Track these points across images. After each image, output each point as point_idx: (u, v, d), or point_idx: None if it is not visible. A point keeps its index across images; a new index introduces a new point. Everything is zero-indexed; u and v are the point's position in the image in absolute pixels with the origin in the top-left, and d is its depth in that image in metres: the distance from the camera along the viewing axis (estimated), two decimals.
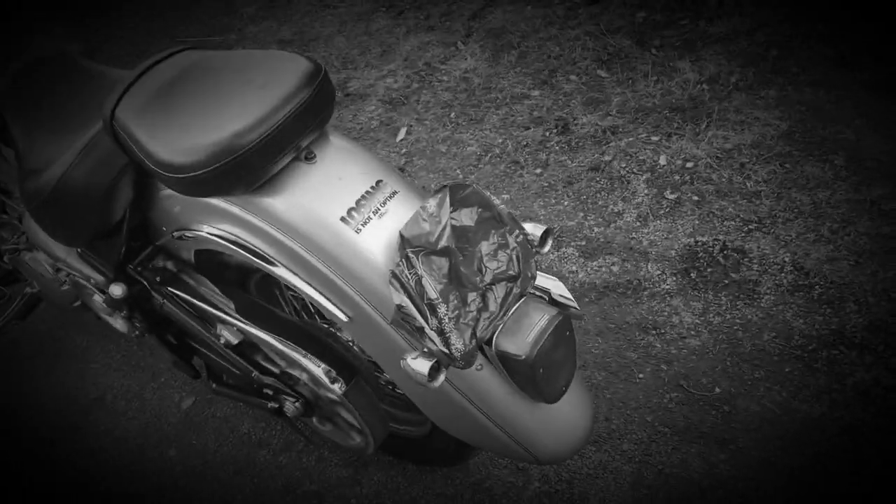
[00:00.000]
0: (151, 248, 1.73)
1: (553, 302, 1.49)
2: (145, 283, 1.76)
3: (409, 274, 1.21)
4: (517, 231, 1.30)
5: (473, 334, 1.19)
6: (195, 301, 1.72)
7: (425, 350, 1.22)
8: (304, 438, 1.99)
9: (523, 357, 1.20)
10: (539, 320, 1.25)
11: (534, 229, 1.36)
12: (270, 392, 1.74)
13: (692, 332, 2.21)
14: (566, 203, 2.62)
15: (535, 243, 1.36)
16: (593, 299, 2.33)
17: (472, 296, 1.22)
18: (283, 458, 2.02)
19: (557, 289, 1.48)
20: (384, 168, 1.44)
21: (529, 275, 1.28)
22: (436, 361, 1.21)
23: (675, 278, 2.35)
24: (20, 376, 2.32)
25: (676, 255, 2.40)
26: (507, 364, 1.27)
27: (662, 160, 2.68)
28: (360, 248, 1.33)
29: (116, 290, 1.71)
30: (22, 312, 2.23)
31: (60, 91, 1.84)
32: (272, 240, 1.43)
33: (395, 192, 1.38)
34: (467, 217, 1.27)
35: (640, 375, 2.14)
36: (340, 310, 1.44)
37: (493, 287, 1.25)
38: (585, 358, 2.18)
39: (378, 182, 1.38)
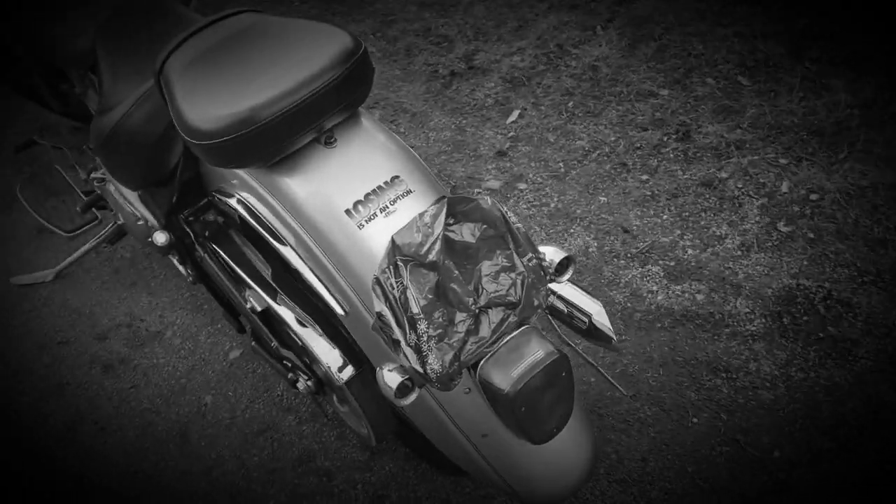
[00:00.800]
0: (204, 201, 1.78)
1: (591, 328, 1.39)
2: (191, 234, 1.82)
3: (395, 283, 1.15)
4: (530, 255, 1.21)
5: (456, 357, 1.12)
6: (230, 261, 1.75)
7: (400, 365, 1.17)
8: (324, 414, 2.00)
9: (505, 391, 1.12)
10: (531, 355, 1.16)
11: (553, 255, 1.26)
12: (289, 364, 1.76)
13: (767, 384, 2.00)
14: (665, 217, 2.44)
15: (552, 270, 1.25)
16: (666, 326, 2.16)
17: (461, 316, 1.15)
18: (306, 428, 2.04)
19: (599, 315, 1.38)
20: (406, 163, 1.37)
21: (536, 303, 1.18)
22: (408, 378, 1.15)
23: (763, 320, 2.12)
24: (95, 297, 2.48)
25: (773, 294, 2.17)
26: (488, 394, 1.19)
27: (784, 187, 2.42)
28: (359, 245, 1.29)
29: (160, 237, 1.78)
30: (111, 237, 2.37)
31: (146, 34, 1.91)
32: (282, 219, 1.42)
33: (409, 192, 1.32)
34: (468, 233, 1.19)
35: (695, 420, 1.97)
36: (338, 302, 1.41)
37: (488, 311, 1.18)
38: (639, 388, 2.03)
39: (394, 178, 1.33)
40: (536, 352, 1.16)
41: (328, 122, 1.34)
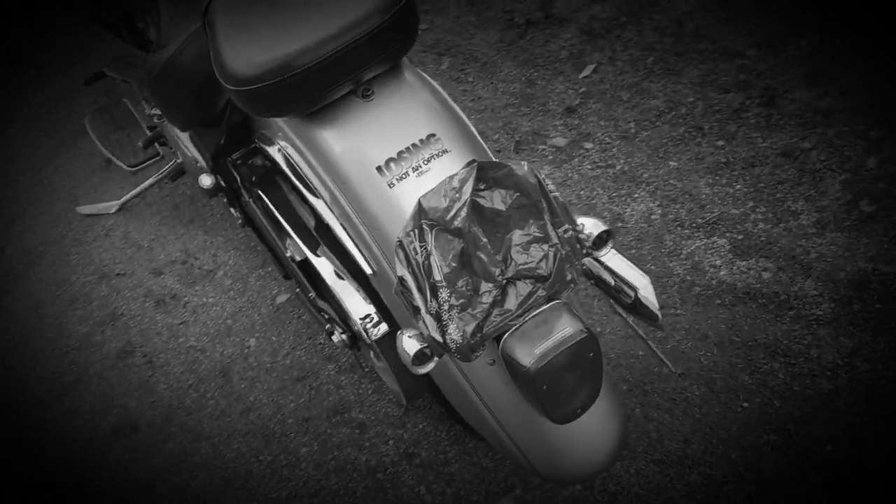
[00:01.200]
0: (251, 146, 1.77)
1: (636, 303, 1.33)
2: (237, 179, 1.82)
3: (419, 247, 1.11)
4: (566, 226, 1.14)
5: (479, 328, 1.08)
6: (273, 209, 1.75)
7: (419, 332, 1.14)
8: (361, 367, 2.00)
9: (527, 367, 1.08)
10: (558, 332, 1.11)
11: (593, 227, 1.20)
12: (326, 316, 1.75)
13: (828, 373, 1.89)
14: (738, 187, 2.30)
15: (589, 243, 1.19)
16: (726, 303, 2.06)
17: (487, 286, 1.11)
18: (344, 379, 2.04)
19: (645, 290, 1.32)
20: (445, 121, 1.32)
21: (569, 278, 1.13)
22: (426, 346, 1.13)
23: (832, 305, 1.99)
24: (154, 231, 2.54)
25: (845, 278, 2.03)
26: (510, 369, 1.15)
27: (872, 162, 2.24)
28: (388, 204, 1.26)
29: (205, 180, 1.78)
30: (172, 174, 2.41)
31: None
32: (316, 172, 1.40)
33: (445, 151, 1.28)
34: (499, 200, 1.14)
35: (745, 404, 1.88)
36: (366, 261, 1.39)
37: (516, 283, 1.13)
38: (690, 366, 1.95)
39: (430, 136, 1.28)
40: (564, 329, 1.11)
41: (366, 74, 1.30)
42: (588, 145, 2.54)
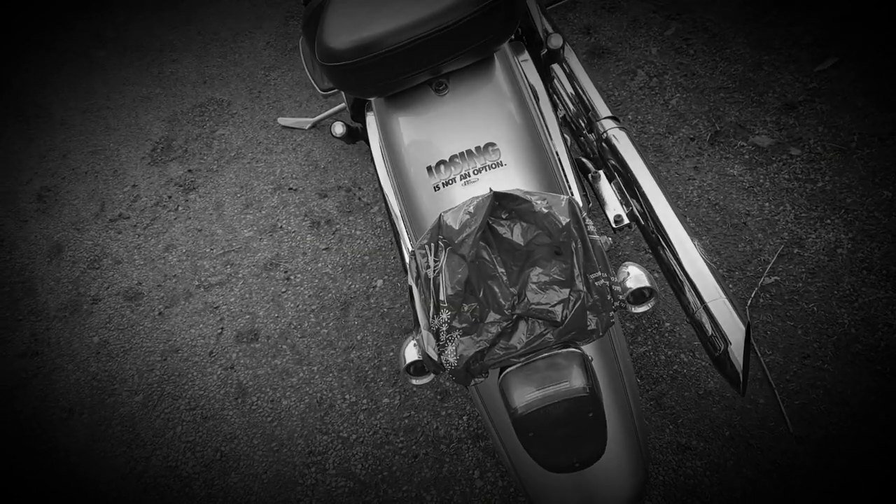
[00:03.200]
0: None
1: (722, 358, 1.23)
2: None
3: (433, 262, 1.11)
4: (599, 273, 1.07)
5: (479, 356, 1.07)
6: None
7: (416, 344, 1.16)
8: None
9: (514, 408, 1.06)
10: (555, 384, 1.06)
11: (633, 281, 1.11)
12: None
13: None
14: None
15: (623, 297, 1.11)
16: (887, 373, 1.79)
17: (494, 317, 1.08)
18: None
19: (737, 349, 1.22)
20: (514, 132, 1.29)
21: (591, 328, 1.05)
22: (420, 361, 1.14)
23: None
24: (333, 155, 2.70)
25: None
26: (504, 404, 1.13)
27: None
28: (429, 207, 1.27)
29: (338, 128, 1.87)
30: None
31: None
32: (383, 152, 1.44)
33: (499, 164, 1.25)
34: (518, 233, 1.09)
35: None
36: (406, 252, 1.41)
37: (528, 321, 1.09)
38: (812, 431, 1.74)
39: (488, 145, 1.27)
40: (562, 382, 1.05)
41: (446, 66, 1.29)
42: (794, 151, 2.27)
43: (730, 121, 2.41)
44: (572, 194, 1.35)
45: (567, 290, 1.05)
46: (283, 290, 2.33)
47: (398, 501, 1.84)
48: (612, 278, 1.07)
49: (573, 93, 1.73)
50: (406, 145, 1.31)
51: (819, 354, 1.88)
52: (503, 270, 1.09)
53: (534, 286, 1.07)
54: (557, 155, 1.39)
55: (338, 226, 2.46)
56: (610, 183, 1.52)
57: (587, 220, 1.08)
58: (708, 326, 1.24)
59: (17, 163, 3.02)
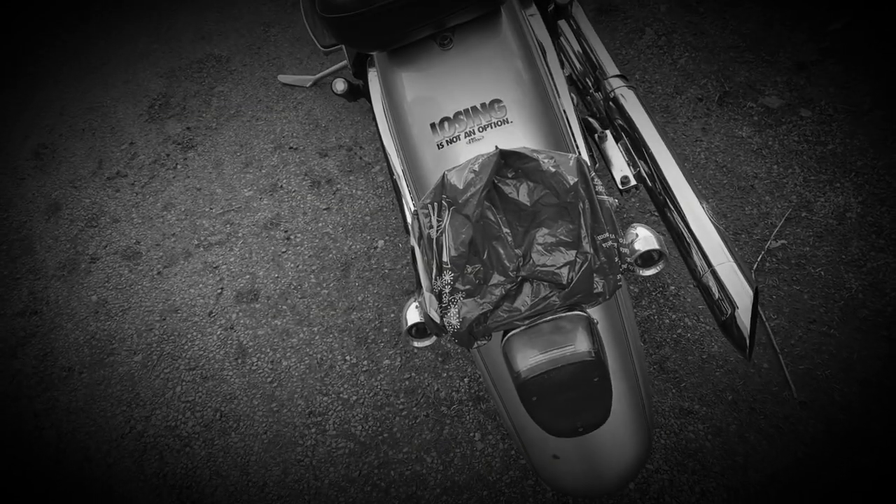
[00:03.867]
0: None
1: (728, 323, 1.22)
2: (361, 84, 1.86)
3: (436, 222, 1.09)
4: (607, 234, 1.05)
5: (482, 319, 1.05)
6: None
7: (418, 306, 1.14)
8: None
9: (517, 372, 1.05)
10: (560, 348, 1.04)
11: (642, 243, 1.08)
12: None
13: None
14: None
15: (632, 259, 1.09)
16: (895, 338, 1.78)
17: (498, 279, 1.06)
18: None
19: (744, 313, 1.21)
20: (520, 88, 1.26)
21: (597, 290, 1.03)
22: (422, 323, 1.13)
23: None
24: (334, 114, 2.67)
25: None
26: (508, 368, 1.12)
27: None
28: (432, 164, 1.25)
29: (339, 85, 1.84)
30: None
31: None
32: (384, 108, 1.41)
33: (506, 121, 1.23)
34: (525, 193, 1.06)
35: (864, 460, 1.65)
36: (408, 211, 1.39)
37: (533, 283, 1.07)
38: (817, 397, 1.74)
39: (494, 101, 1.24)
40: (567, 346, 1.04)
41: (451, 20, 1.26)
42: (805, 113, 2.23)
43: (739, 81, 2.37)
44: (580, 154, 1.33)
45: (574, 252, 1.03)
46: (284, 250, 2.32)
47: (398, 463, 1.84)
48: (621, 240, 1.05)
49: (580, 51, 1.70)
50: (409, 102, 1.28)
51: (825, 319, 1.87)
52: (508, 231, 1.07)
53: (539, 247, 1.05)
54: (565, 113, 1.36)
55: (338, 185, 2.44)
56: (617, 143, 1.49)
57: (595, 179, 1.06)
58: (715, 290, 1.23)
59: (12, 120, 2.99)
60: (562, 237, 1.04)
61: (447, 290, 1.04)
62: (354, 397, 1.97)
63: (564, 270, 1.03)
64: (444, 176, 1.06)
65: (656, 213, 2.10)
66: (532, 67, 1.29)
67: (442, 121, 1.23)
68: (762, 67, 2.38)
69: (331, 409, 1.96)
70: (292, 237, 2.34)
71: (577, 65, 1.70)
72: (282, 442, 1.93)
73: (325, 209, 2.39)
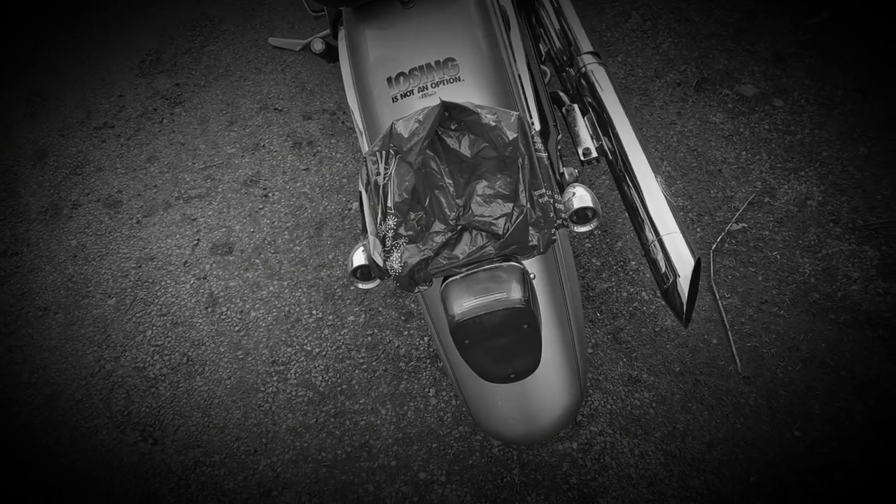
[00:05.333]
0: None
1: (669, 291, 1.30)
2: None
3: (383, 168, 1.17)
4: (543, 190, 1.13)
5: (423, 265, 1.13)
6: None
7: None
8: None
9: (450, 316, 1.13)
10: (493, 294, 1.13)
11: (578, 201, 1.17)
12: None
13: None
14: None
15: (567, 215, 1.17)
16: (840, 322, 1.87)
17: (439, 226, 1.14)
18: None
19: (684, 281, 1.29)
20: (474, 49, 1.33)
21: (532, 244, 1.11)
22: (367, 265, 1.20)
23: None
24: (321, 79, 2.75)
25: None
26: (445, 313, 1.20)
27: None
28: (386, 117, 1.32)
29: (317, 44, 1.92)
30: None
31: None
32: (347, 62, 1.48)
33: (457, 79, 1.30)
34: (466, 146, 1.14)
35: (798, 433, 1.74)
36: None
37: (473, 232, 1.15)
38: (760, 373, 1.83)
39: (447, 60, 1.31)
40: (499, 294, 1.12)
41: None
42: (778, 103, 2.32)
43: (718, 68, 2.45)
44: (531, 117, 1.41)
45: (511, 205, 1.11)
46: (261, 206, 2.41)
47: (354, 413, 1.94)
48: (557, 196, 1.13)
49: (559, 28, 1.77)
50: (369, 57, 1.36)
51: (776, 301, 1.96)
52: (450, 181, 1.14)
53: (479, 198, 1.13)
54: (520, 79, 1.44)
55: (319, 147, 2.52)
56: (583, 117, 1.57)
57: (536, 138, 1.14)
58: (662, 263, 1.31)
59: (4, 68, 3.07)
60: (500, 190, 1.12)
61: (390, 235, 1.12)
62: (317, 349, 2.06)
63: (501, 221, 1.10)
64: (392, 125, 1.14)
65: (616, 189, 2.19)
66: (489, 32, 1.37)
67: (398, 76, 1.31)
68: (741, 56, 2.46)
69: (294, 359, 2.06)
70: (270, 195, 2.43)
71: (557, 42, 1.78)
72: (244, 388, 2.03)
73: (304, 169, 2.47)
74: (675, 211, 1.35)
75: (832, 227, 2.04)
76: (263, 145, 2.57)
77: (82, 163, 2.67)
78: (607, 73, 1.60)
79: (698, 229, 2.10)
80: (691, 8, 2.64)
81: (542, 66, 1.78)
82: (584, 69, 1.61)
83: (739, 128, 2.29)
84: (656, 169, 1.42)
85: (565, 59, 1.73)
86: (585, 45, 1.68)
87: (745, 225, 2.09)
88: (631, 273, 2.06)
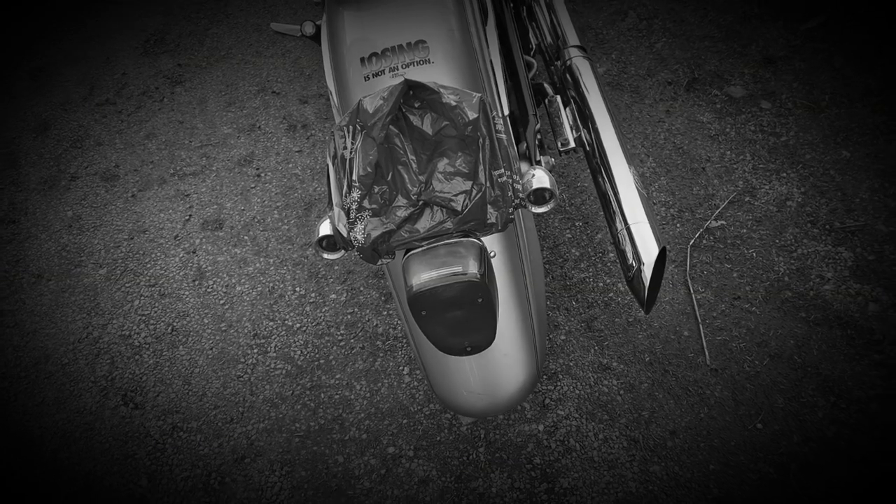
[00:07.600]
0: None
1: (634, 279, 1.36)
2: None
3: (349, 142, 1.23)
4: (503, 170, 1.20)
5: (385, 237, 1.18)
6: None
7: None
8: None
9: (408, 286, 1.19)
10: (449, 267, 1.17)
11: (535, 181, 1.22)
12: None
13: (876, 434, 1.73)
14: None
15: (524, 195, 1.23)
16: (811, 320, 1.92)
17: (401, 201, 1.19)
18: None
19: (647, 270, 1.35)
20: (446, 32, 1.39)
21: (490, 221, 1.16)
22: (332, 236, 1.25)
23: None
24: (320, 64, 2.82)
25: None
26: (405, 285, 1.26)
27: None
28: (357, 96, 1.38)
29: (307, 27, 1.99)
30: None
31: None
32: (328, 43, 1.55)
33: (427, 61, 1.36)
34: (428, 123, 1.20)
35: (760, 426, 1.80)
36: None
37: (434, 208, 1.21)
38: (728, 366, 1.88)
39: (419, 42, 1.37)
40: (456, 267, 1.16)
41: None
42: (765, 105, 2.37)
43: (709, 69, 2.51)
44: (499, 102, 1.47)
45: (470, 183, 1.17)
46: (253, 185, 2.48)
47: (329, 387, 2.00)
48: (515, 177, 1.19)
49: (550, 23, 1.84)
50: (346, 38, 1.43)
51: (749, 297, 2.01)
52: (413, 158, 1.20)
53: (440, 175, 1.19)
54: (492, 65, 1.50)
55: (313, 131, 2.60)
56: (565, 108, 1.64)
57: (497, 119, 1.20)
58: (629, 252, 1.38)
59: (11, 43, 3.16)
60: (460, 168, 1.18)
61: (354, 208, 1.18)
62: (298, 325, 2.13)
63: (460, 198, 1.16)
64: (359, 102, 1.20)
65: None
66: (461, 20, 1.43)
67: (371, 56, 1.37)
68: (733, 58, 2.51)
69: (275, 333, 2.13)
70: (263, 175, 2.50)
71: (548, 37, 1.85)
72: (225, 358, 2.10)
73: (297, 151, 2.54)
74: (647, 202, 1.41)
75: (809, 228, 2.09)
76: (259, 127, 2.64)
77: (83, 137, 2.75)
78: (591, 67, 1.66)
79: (678, 225, 2.16)
80: (687, 9, 2.70)
81: (529, 58, 1.84)
82: (568, 62, 1.67)
83: (726, 128, 2.34)
84: (630, 161, 1.48)
85: (553, 52, 1.79)
86: (573, 38, 1.74)
87: (724, 222, 2.14)
88: (609, 264, 2.12)
